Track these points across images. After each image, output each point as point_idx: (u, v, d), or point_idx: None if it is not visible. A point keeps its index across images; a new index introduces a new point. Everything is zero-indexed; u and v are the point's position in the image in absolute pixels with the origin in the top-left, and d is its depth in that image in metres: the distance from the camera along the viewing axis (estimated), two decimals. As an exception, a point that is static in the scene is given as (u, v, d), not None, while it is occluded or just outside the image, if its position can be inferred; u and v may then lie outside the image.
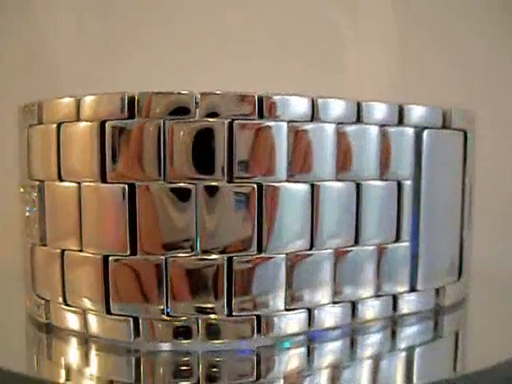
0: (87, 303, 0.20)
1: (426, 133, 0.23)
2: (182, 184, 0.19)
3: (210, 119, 0.19)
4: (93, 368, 0.19)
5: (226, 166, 0.19)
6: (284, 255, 0.20)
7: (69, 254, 0.20)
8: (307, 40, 0.31)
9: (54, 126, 0.20)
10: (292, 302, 0.20)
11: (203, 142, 0.19)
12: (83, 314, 0.20)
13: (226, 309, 0.19)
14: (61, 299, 0.21)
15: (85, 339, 0.20)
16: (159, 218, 0.19)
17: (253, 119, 0.19)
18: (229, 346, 0.20)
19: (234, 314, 0.19)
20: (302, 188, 0.20)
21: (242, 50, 0.31)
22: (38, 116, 0.21)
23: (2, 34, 0.31)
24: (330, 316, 0.21)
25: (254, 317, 0.20)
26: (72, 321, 0.21)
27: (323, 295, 0.21)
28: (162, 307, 0.19)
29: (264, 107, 0.19)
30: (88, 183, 0.20)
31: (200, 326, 0.19)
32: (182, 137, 0.19)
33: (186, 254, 0.19)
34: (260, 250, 0.19)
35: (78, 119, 0.20)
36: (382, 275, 0.22)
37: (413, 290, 0.23)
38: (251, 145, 0.19)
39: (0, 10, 0.30)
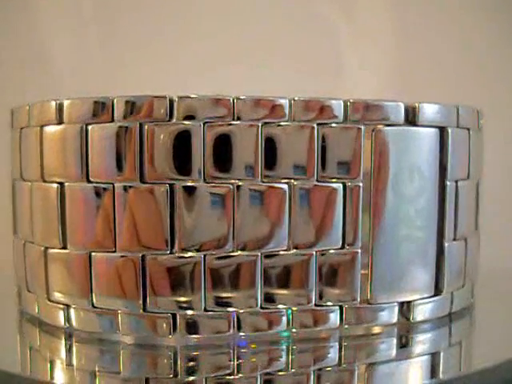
0: (39, 290, 0.22)
1: (377, 130, 0.21)
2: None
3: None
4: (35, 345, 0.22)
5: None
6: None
7: (27, 245, 0.23)
8: (305, 41, 0.30)
9: (19, 129, 0.23)
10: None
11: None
12: (36, 299, 0.23)
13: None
14: (25, 285, 0.23)
15: (39, 322, 0.23)
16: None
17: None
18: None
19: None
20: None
21: (241, 51, 0.31)
22: (12, 120, 0.24)
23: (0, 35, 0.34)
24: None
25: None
26: (31, 305, 0.23)
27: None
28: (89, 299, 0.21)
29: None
30: (36, 182, 0.22)
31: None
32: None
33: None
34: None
35: (29, 125, 0.22)
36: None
37: (367, 302, 0.21)
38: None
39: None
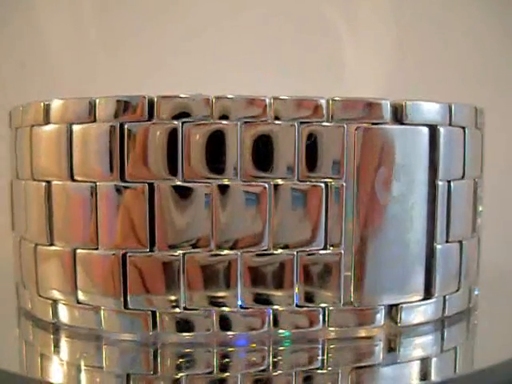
0: (31, 286, 0.23)
1: (360, 129, 0.20)
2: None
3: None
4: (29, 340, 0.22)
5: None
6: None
7: (22, 242, 0.23)
8: (306, 42, 0.30)
9: (15, 130, 0.24)
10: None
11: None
12: (30, 295, 0.23)
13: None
14: (21, 281, 0.24)
15: (32, 317, 0.23)
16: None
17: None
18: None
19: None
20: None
21: (241, 51, 0.31)
22: (10, 121, 0.25)
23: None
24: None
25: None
26: (26, 301, 0.24)
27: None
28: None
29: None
30: (28, 181, 0.22)
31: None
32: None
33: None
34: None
35: (22, 125, 0.23)
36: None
37: (352, 304, 0.21)
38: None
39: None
